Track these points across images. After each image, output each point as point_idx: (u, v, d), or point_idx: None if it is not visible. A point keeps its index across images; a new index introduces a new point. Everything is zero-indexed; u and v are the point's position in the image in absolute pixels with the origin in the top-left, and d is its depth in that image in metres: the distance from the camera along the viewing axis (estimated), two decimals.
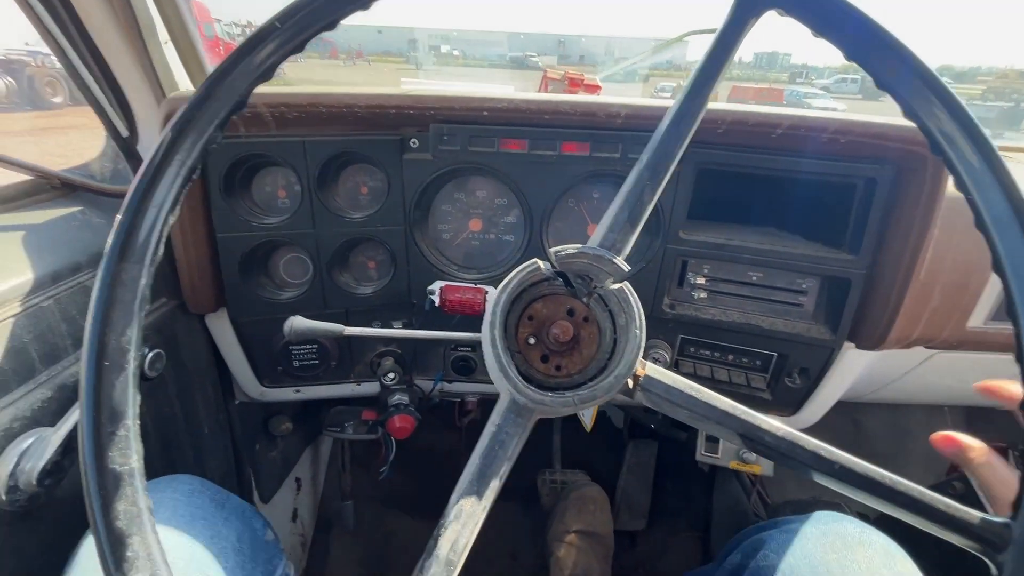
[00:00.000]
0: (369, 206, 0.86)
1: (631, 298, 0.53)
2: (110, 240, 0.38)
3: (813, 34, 0.46)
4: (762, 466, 1.04)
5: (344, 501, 1.40)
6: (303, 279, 0.89)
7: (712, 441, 1.07)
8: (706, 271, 0.90)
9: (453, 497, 0.45)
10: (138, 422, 0.35)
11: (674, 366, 0.98)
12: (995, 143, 0.42)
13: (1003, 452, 0.50)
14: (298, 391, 1.01)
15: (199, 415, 0.90)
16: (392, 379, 0.97)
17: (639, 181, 0.53)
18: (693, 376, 0.96)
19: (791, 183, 0.83)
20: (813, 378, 0.91)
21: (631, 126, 0.73)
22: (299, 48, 0.44)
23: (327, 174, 0.80)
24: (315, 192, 0.79)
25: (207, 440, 0.94)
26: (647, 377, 0.51)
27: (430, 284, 0.89)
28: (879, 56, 0.41)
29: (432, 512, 0.43)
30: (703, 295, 0.91)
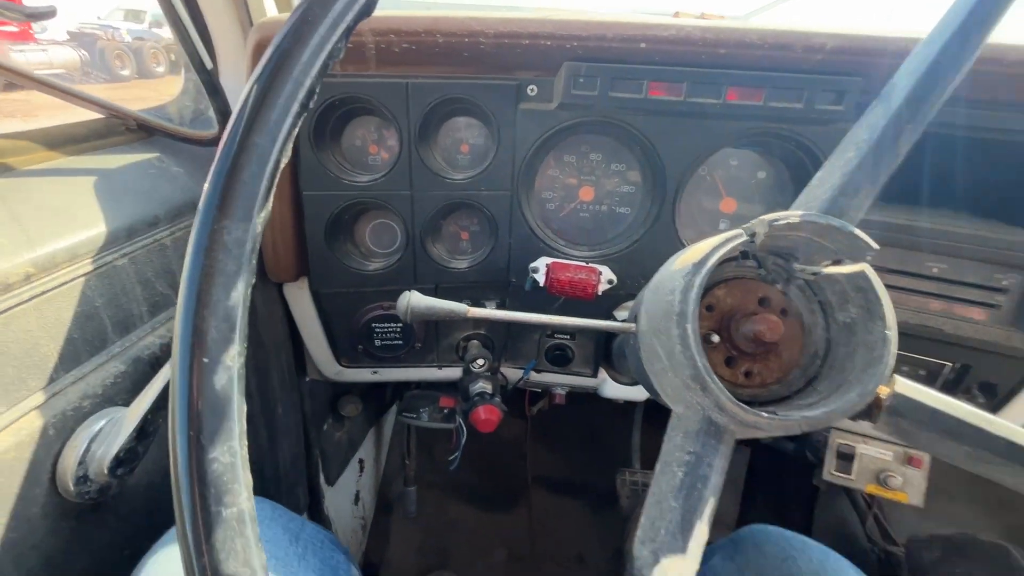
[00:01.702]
0: (471, 166, 0.74)
1: (875, 285, 0.39)
2: (206, 188, 0.27)
3: None
4: (909, 494, 0.88)
5: (407, 487, 1.32)
6: (391, 248, 0.78)
7: (845, 459, 0.91)
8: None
9: (646, 553, 0.33)
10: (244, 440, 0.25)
11: None
12: None
13: None
14: (376, 372, 0.91)
15: (273, 393, 0.82)
16: (481, 366, 0.86)
17: (895, 121, 0.38)
18: None
19: (982, 149, 0.65)
20: (1000, 396, 0.74)
21: (830, 67, 0.56)
22: None
23: (428, 125, 0.68)
24: (415, 146, 0.67)
25: (280, 420, 0.86)
26: (898, 396, 0.37)
27: (533, 260, 0.77)
28: None
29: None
30: None
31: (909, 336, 0.73)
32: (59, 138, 0.57)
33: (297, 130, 0.29)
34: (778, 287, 0.45)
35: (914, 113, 0.37)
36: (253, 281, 0.28)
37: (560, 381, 0.96)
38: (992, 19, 0.36)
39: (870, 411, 0.38)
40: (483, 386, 0.95)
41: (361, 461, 1.31)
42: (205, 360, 0.25)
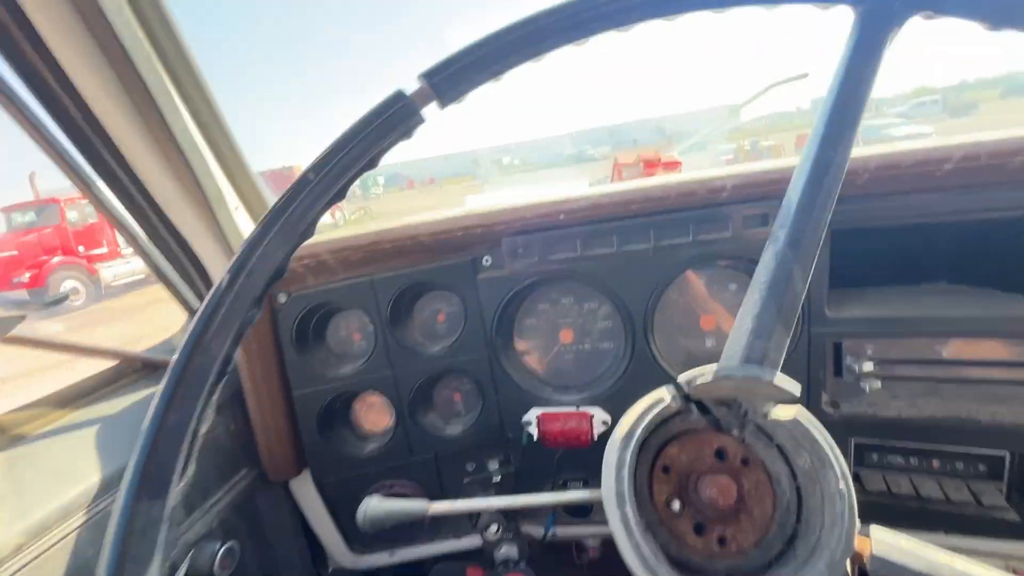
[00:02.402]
0: (448, 335, 0.78)
1: (815, 432, 0.37)
2: (126, 478, 0.30)
3: (989, 28, 0.33)
4: None
5: None
6: (386, 426, 0.80)
7: None
8: (870, 353, 0.70)
9: None
10: None
11: (855, 481, 0.74)
12: None
13: None
14: (392, 553, 0.88)
15: None
16: (495, 532, 0.82)
17: (783, 263, 0.39)
18: (887, 495, 0.71)
19: (970, 225, 0.64)
20: None
21: (741, 197, 0.60)
22: (340, 197, 0.38)
23: (399, 309, 0.74)
24: (388, 330, 0.72)
25: None
26: (879, 560, 0.33)
27: (525, 414, 0.77)
28: None
29: None
30: (876, 384, 0.69)
31: (939, 430, 0.66)
32: (71, 395, 0.66)
33: (216, 396, 0.33)
34: (734, 433, 0.43)
35: (798, 253, 0.38)
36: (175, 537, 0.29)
37: (588, 532, 0.90)
38: (843, 157, 0.38)
39: None
40: (507, 551, 0.89)
41: None
42: None
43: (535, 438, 0.74)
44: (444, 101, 0.40)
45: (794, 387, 0.36)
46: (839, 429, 0.73)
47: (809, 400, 0.70)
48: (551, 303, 0.80)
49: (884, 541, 0.33)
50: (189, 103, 0.65)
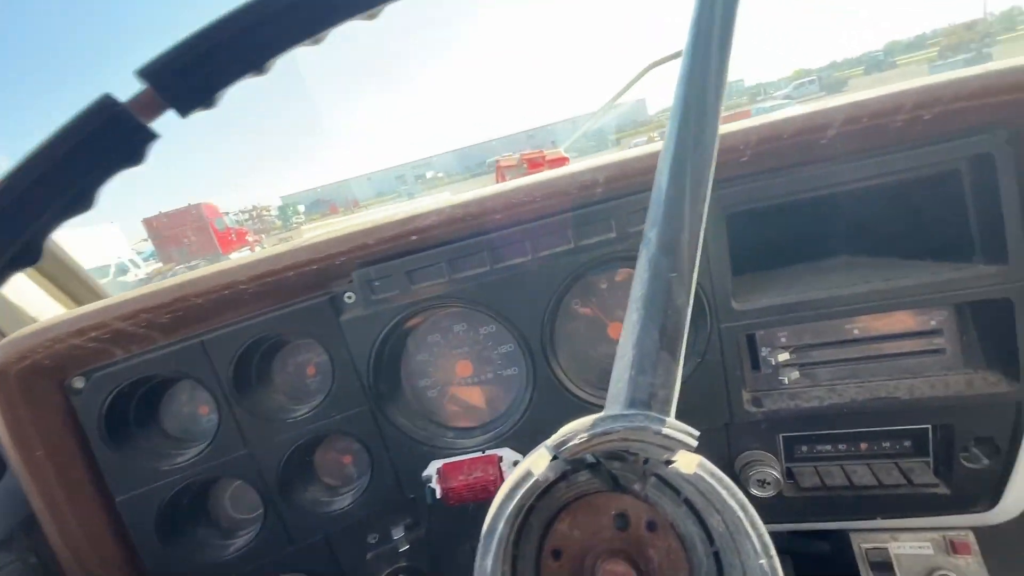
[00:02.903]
0: (319, 390, 0.65)
1: (722, 491, 0.28)
2: None
3: None
4: None
5: None
6: (257, 514, 0.65)
7: (882, 570, 0.73)
8: (784, 341, 0.65)
9: None
10: None
11: (788, 478, 0.69)
12: None
13: None
14: None
15: None
16: None
17: (657, 275, 0.30)
18: (821, 488, 0.66)
19: (861, 195, 0.60)
20: (1005, 448, 0.61)
21: (621, 191, 0.52)
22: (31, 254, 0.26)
23: (247, 371, 0.60)
24: (234, 400, 0.58)
25: None
26: None
27: (425, 468, 0.65)
28: None
29: None
30: (794, 375, 0.65)
31: (862, 413, 0.62)
32: None
33: None
34: (636, 488, 0.34)
35: (673, 258, 0.30)
36: None
37: None
38: (710, 138, 0.30)
39: None
40: None
41: None
42: None
43: (438, 496, 0.63)
44: (184, 106, 0.28)
45: (690, 435, 0.28)
46: (766, 427, 0.67)
47: (730, 403, 0.64)
48: (442, 333, 0.69)
49: None
50: None
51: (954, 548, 0.70)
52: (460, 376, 0.70)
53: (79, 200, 0.28)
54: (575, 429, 0.29)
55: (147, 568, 0.59)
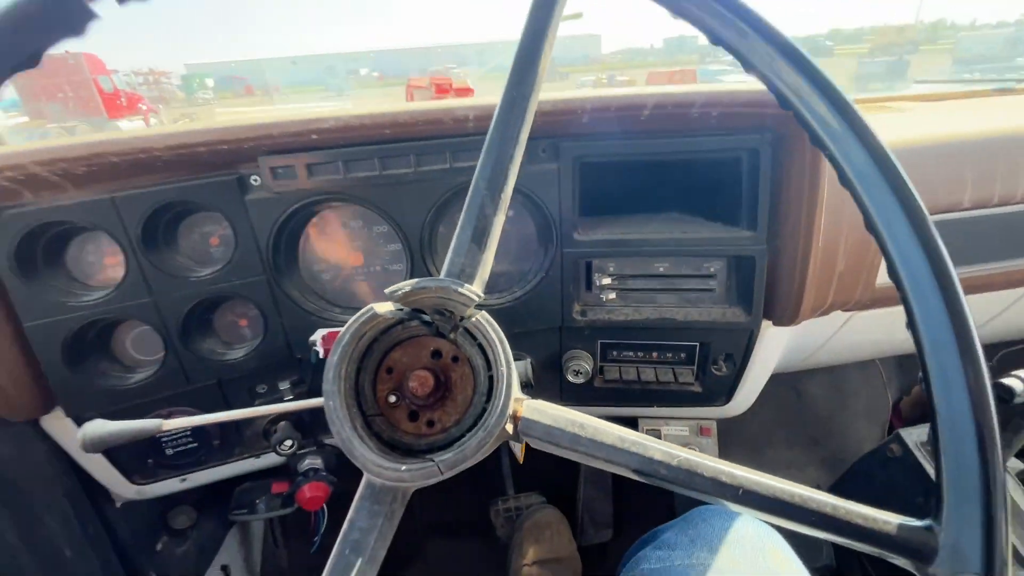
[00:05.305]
0: (224, 257, 0.74)
1: (489, 328, 0.45)
2: None
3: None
4: None
5: None
6: (156, 356, 0.76)
7: None
8: (611, 270, 0.84)
9: None
10: None
11: (599, 373, 0.91)
12: (848, 96, 0.38)
13: None
14: (184, 479, 0.87)
15: (55, 539, 0.75)
16: (289, 447, 0.85)
17: (476, 194, 0.45)
18: (619, 381, 0.89)
19: (681, 165, 0.78)
20: (739, 362, 0.87)
21: (484, 129, 0.65)
22: None
23: (155, 231, 0.68)
24: (141, 255, 0.66)
25: (75, 565, 0.79)
26: (524, 420, 0.43)
27: (312, 335, 0.78)
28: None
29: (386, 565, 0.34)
30: (612, 295, 0.85)
31: (654, 328, 0.84)
32: None
33: None
34: (451, 337, 0.50)
35: (490, 184, 0.45)
36: None
37: None
38: (526, 99, 0.44)
39: (517, 435, 0.44)
40: (311, 462, 0.94)
41: (224, 567, 1.23)
42: None
43: (321, 356, 0.77)
44: None
45: (472, 293, 0.44)
46: (588, 332, 0.88)
47: (564, 309, 0.83)
48: (340, 225, 0.80)
49: (532, 407, 0.43)
50: None
51: (701, 431, 0.99)
52: (352, 265, 0.82)
53: (27, 61, 0.36)
54: (405, 284, 0.44)
55: (52, 387, 0.68)
